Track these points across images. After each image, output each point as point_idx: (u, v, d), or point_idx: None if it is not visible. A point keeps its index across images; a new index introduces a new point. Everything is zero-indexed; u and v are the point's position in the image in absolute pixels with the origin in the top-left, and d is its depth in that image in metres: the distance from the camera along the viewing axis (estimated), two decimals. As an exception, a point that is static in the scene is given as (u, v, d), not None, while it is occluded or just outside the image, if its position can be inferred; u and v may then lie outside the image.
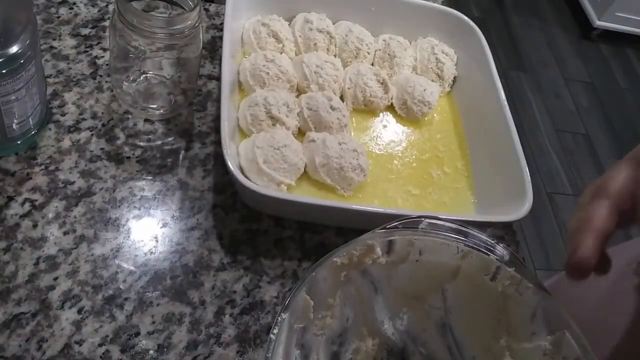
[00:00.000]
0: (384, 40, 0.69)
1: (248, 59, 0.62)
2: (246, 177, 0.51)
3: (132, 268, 0.49)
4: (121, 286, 0.48)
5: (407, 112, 0.66)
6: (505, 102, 0.63)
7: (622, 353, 0.49)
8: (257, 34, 0.64)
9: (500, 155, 0.61)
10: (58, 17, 0.63)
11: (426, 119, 0.67)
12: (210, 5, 0.71)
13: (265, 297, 0.51)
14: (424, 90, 0.65)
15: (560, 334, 0.40)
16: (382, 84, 0.64)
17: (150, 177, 0.55)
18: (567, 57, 2.43)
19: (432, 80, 0.68)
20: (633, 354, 0.50)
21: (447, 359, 0.47)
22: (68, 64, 0.60)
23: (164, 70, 0.58)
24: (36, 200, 0.50)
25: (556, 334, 0.40)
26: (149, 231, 0.52)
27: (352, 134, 0.63)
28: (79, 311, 0.46)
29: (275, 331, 0.36)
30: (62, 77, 0.59)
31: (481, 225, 0.49)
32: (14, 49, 0.43)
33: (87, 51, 0.61)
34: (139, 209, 0.53)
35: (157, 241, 0.51)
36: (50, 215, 0.50)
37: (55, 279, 0.47)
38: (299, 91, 0.63)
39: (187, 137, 0.59)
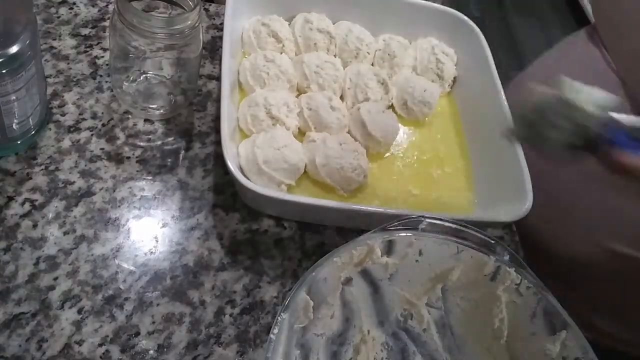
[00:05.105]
0: (384, 40, 0.69)
1: (248, 59, 0.62)
2: (246, 177, 0.51)
3: (132, 268, 0.49)
4: (121, 286, 0.48)
5: (407, 112, 0.66)
6: (506, 102, 0.63)
7: None
8: (257, 34, 0.63)
9: (500, 155, 0.60)
10: (58, 17, 0.63)
11: (427, 119, 0.66)
12: (210, 5, 0.71)
13: (265, 297, 0.51)
14: (424, 91, 0.65)
15: (560, 334, 0.40)
16: (382, 84, 0.64)
17: (150, 177, 0.55)
18: (567, 57, 2.42)
19: (432, 81, 0.68)
20: None
21: (447, 359, 0.47)
22: (68, 64, 0.60)
23: (164, 70, 0.58)
24: (36, 200, 0.50)
25: (556, 334, 0.41)
26: (149, 231, 0.52)
27: (352, 134, 0.63)
28: (79, 311, 0.46)
29: (275, 331, 0.37)
30: (62, 77, 0.59)
31: (481, 225, 0.49)
32: (14, 49, 0.43)
33: (87, 51, 0.61)
34: (139, 209, 0.53)
35: (157, 241, 0.51)
36: (50, 215, 0.50)
37: (55, 279, 0.47)
38: (299, 91, 0.63)
39: (187, 137, 0.59)
